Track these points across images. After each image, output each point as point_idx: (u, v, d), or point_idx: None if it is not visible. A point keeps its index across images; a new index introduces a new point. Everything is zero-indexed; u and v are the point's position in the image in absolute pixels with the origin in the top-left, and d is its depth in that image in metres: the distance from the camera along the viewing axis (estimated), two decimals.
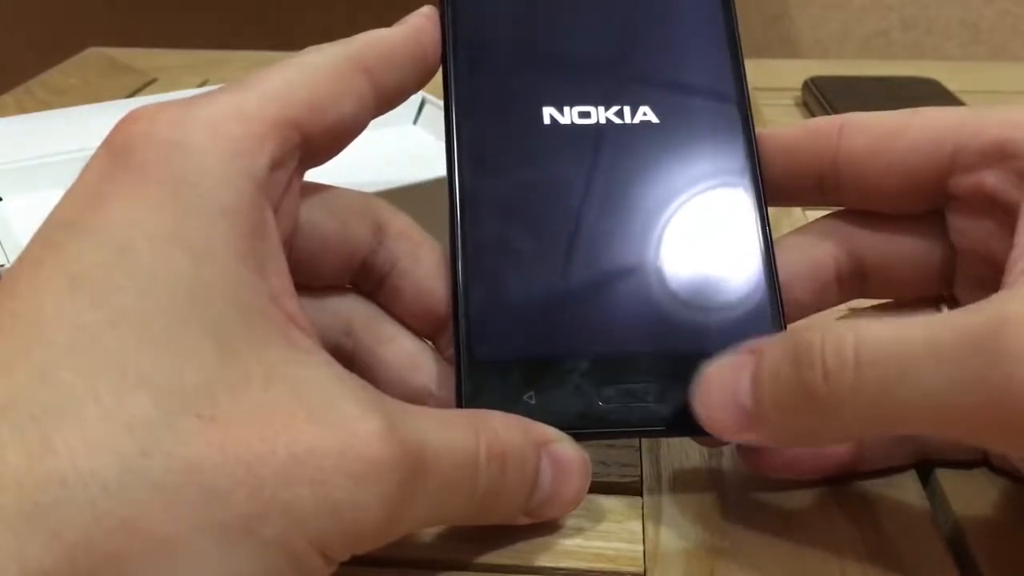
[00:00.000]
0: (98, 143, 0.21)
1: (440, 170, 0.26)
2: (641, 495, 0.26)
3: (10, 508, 0.16)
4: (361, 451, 0.18)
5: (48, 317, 0.18)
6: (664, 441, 0.28)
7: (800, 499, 0.26)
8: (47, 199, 0.21)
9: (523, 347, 0.24)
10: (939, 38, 1.17)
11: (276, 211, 0.22)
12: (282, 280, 0.21)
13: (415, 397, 0.25)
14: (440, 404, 0.25)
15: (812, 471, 0.26)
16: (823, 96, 0.57)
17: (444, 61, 0.26)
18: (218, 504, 0.17)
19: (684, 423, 0.24)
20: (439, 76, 0.26)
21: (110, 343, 0.18)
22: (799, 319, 0.27)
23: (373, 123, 0.25)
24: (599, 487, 0.26)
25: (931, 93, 0.57)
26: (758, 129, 0.27)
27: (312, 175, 0.24)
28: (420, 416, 0.21)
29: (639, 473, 0.27)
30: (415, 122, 0.43)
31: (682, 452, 0.28)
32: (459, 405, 0.24)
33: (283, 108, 0.22)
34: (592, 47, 0.27)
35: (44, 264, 0.19)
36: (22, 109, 0.57)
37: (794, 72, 0.62)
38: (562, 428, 0.23)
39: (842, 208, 0.28)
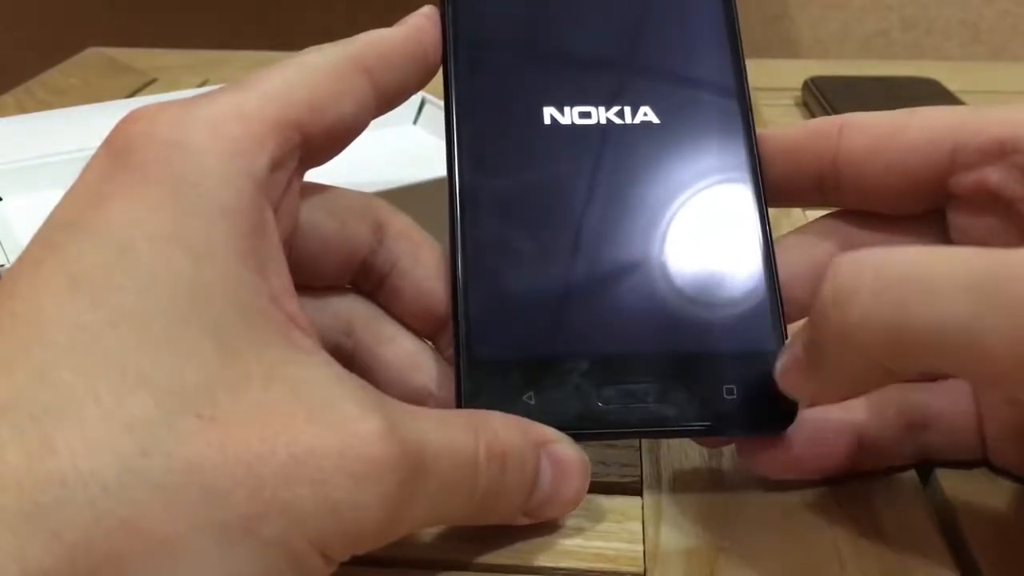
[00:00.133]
0: (98, 143, 0.21)
1: (440, 170, 0.26)
2: (641, 495, 0.26)
3: (10, 508, 0.16)
4: (361, 451, 0.18)
5: (48, 317, 0.18)
6: (664, 441, 0.28)
7: (800, 499, 0.26)
8: (47, 199, 0.21)
9: (523, 347, 0.24)
10: (939, 38, 1.17)
11: (276, 211, 0.22)
12: (282, 280, 0.21)
13: (415, 397, 0.25)
14: (440, 404, 0.25)
15: (812, 471, 0.26)
16: (823, 96, 0.57)
17: (444, 61, 0.26)
18: (218, 504, 0.17)
19: (684, 424, 0.24)
20: (439, 76, 0.26)
21: (110, 343, 0.18)
22: (799, 319, 0.26)
23: (373, 123, 0.25)
24: (599, 487, 0.26)
25: (931, 93, 0.57)
26: (758, 129, 0.27)
27: (312, 175, 0.24)
28: (420, 416, 0.21)
29: (639, 473, 0.27)
30: (415, 122, 0.43)
31: (682, 452, 0.28)
32: (459, 405, 0.24)
33: (283, 108, 0.22)
34: (593, 47, 0.27)
35: (44, 264, 0.19)
36: (22, 109, 0.57)
37: (794, 72, 0.62)
38: (562, 428, 0.23)
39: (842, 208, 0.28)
